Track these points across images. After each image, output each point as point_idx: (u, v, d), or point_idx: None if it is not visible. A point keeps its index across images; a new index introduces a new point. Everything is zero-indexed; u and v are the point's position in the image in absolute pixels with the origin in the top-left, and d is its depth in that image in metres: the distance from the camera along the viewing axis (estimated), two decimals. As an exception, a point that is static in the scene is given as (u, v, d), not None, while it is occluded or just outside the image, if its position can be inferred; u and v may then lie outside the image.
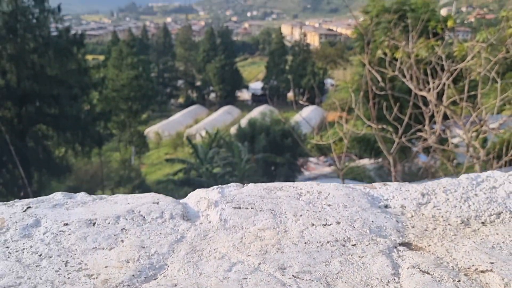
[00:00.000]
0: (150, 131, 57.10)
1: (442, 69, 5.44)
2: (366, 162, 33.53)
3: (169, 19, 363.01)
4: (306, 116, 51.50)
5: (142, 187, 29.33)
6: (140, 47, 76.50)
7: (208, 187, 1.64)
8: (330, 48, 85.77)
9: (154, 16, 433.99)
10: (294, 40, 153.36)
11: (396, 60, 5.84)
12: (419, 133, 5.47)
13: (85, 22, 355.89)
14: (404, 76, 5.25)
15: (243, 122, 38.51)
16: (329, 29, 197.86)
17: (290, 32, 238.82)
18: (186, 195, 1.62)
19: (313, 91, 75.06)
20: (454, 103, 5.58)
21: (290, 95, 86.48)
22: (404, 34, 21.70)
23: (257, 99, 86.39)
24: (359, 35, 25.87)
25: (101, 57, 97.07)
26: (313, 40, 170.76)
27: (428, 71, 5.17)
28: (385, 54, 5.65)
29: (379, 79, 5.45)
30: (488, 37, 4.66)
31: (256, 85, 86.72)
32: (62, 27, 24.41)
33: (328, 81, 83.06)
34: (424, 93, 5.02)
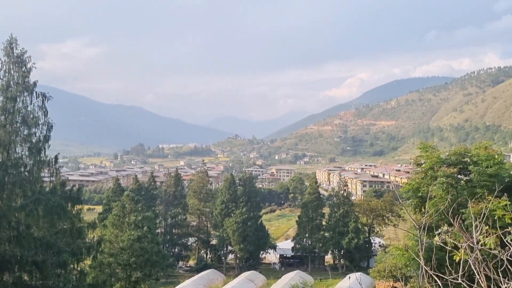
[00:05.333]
0: (150, 305, 55.62)
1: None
2: None
3: (182, 163, 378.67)
4: (350, 286, 49.90)
5: None
6: (145, 198, 78.04)
7: None
8: (376, 200, 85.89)
9: (165, 159, 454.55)
10: (331, 189, 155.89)
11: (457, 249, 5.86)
12: None
13: (84, 166, 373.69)
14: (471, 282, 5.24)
15: (270, 295, 37.42)
16: (374, 176, 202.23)
17: (327, 179, 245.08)
18: None
19: (357, 253, 73.64)
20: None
21: (328, 257, 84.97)
22: (468, 192, 21.66)
23: (287, 263, 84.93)
24: (412, 191, 26.22)
25: (99, 207, 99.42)
26: (355, 189, 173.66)
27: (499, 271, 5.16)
28: (444, 243, 5.72)
29: (439, 283, 5.44)
30: None
31: (286, 245, 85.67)
32: (56, 181, 25.62)
33: (376, 240, 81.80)
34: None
